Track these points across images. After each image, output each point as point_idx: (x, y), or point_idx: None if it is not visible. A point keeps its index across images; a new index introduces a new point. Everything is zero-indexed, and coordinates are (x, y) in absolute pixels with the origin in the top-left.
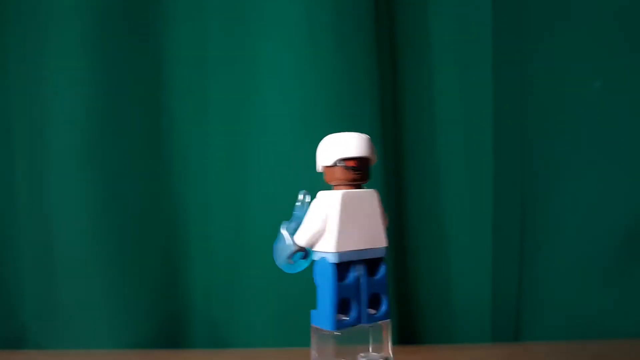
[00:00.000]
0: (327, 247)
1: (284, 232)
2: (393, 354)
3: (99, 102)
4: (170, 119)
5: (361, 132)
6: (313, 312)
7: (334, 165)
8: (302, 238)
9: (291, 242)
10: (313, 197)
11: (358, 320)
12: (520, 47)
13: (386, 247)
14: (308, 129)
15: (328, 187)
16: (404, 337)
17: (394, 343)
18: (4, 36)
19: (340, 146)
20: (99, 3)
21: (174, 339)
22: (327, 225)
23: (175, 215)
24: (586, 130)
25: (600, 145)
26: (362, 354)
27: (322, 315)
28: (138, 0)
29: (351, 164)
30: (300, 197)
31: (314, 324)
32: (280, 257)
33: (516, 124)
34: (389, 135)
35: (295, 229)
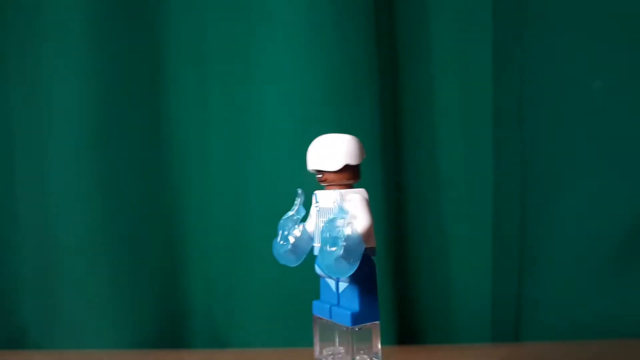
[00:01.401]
0: (371, 242)
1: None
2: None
3: (99, 101)
4: (170, 118)
5: (360, 131)
6: (354, 313)
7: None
8: (369, 235)
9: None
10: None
11: None
12: (520, 47)
13: None
14: (308, 128)
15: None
16: (404, 337)
17: (394, 343)
18: (3, 35)
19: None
20: (98, 3)
21: (174, 339)
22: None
23: (175, 215)
24: (586, 130)
25: (600, 145)
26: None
27: (370, 310)
28: (138, 1)
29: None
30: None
31: (357, 325)
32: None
33: (516, 124)
34: (388, 135)
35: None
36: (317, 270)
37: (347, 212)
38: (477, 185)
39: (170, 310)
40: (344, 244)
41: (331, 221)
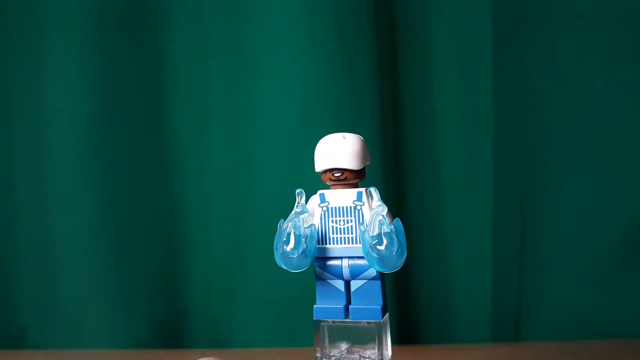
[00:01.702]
0: None
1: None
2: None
3: (99, 102)
4: (170, 119)
5: (360, 131)
6: (382, 307)
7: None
8: None
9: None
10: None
11: None
12: (520, 47)
13: None
14: (308, 129)
15: (325, 186)
16: (404, 337)
17: (394, 343)
18: (3, 36)
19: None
20: (98, 4)
21: (174, 339)
22: None
23: (175, 215)
24: (586, 130)
25: (600, 145)
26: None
27: (385, 303)
28: (137, 1)
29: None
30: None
31: (383, 319)
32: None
33: (516, 124)
34: (388, 136)
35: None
36: (322, 273)
37: (386, 206)
38: (477, 185)
39: (170, 310)
40: (400, 239)
41: (376, 218)
